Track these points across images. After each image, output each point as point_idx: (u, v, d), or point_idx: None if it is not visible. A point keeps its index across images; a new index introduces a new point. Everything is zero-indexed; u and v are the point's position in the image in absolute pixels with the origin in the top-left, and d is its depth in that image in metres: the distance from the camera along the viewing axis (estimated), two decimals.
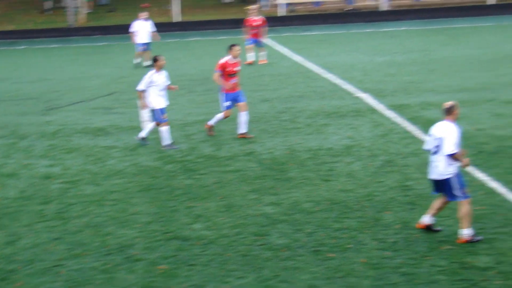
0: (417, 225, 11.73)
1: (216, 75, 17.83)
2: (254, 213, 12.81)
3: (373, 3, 48.91)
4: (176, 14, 46.06)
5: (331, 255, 11.01)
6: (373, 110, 20.24)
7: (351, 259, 10.84)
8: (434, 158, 11.40)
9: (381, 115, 19.61)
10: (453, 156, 11.17)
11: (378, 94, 22.24)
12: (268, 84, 25.23)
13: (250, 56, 30.01)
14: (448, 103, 11.65)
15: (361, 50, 32.84)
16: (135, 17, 31.24)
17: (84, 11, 47.92)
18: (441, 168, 11.32)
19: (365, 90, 23.00)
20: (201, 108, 21.39)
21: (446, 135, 11.25)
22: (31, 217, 13.05)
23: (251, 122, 19.20)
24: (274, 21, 45.38)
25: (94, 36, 44.31)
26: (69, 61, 34.02)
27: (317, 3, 49.64)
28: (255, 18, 30.74)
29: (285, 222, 12.33)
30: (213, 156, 16.42)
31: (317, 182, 14.34)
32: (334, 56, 31.20)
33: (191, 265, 10.89)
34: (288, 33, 41.52)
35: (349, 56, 30.96)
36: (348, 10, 48.10)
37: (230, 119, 18.37)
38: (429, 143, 11.54)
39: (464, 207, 11.28)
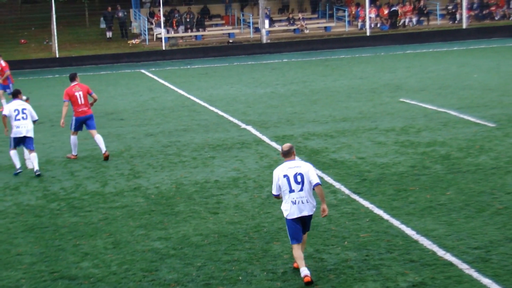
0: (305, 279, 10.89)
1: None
2: (143, 248, 12.66)
3: (254, 36, 49.53)
4: (56, 50, 45.38)
5: None
6: (258, 142, 20.42)
7: None
8: (301, 195, 11.13)
9: (266, 147, 19.81)
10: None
11: (261, 126, 22.48)
12: (152, 118, 25.11)
13: None
14: (287, 145, 11.44)
15: (243, 82, 33.17)
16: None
17: None
18: (311, 203, 11.21)
19: (248, 122, 23.21)
20: (84, 145, 21.06)
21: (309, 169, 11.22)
22: None
23: (136, 156, 19.07)
24: (157, 55, 45.44)
25: None
26: None
27: (199, 37, 49.88)
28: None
29: (174, 257, 12.23)
30: (98, 193, 16.17)
31: (205, 215, 14.31)
32: (217, 89, 31.37)
33: None
34: (170, 67, 41.53)
35: (232, 89, 31.20)
36: (230, 43, 48.53)
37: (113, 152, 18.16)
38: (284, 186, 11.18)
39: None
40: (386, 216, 13.68)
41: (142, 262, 12.04)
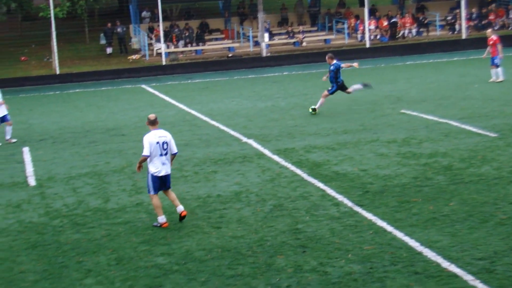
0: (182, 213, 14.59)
1: None
2: (146, 264, 12.62)
3: (254, 49, 49.59)
4: (57, 67, 45.44)
5: None
6: (260, 155, 20.40)
7: None
8: (167, 158, 14.50)
9: (268, 160, 19.79)
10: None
11: (263, 140, 22.47)
12: None
13: None
14: (153, 115, 14.79)
15: (244, 96, 33.19)
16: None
17: None
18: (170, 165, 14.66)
19: (250, 136, 23.20)
20: (85, 161, 21.05)
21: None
22: None
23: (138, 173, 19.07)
24: (157, 70, 45.48)
25: None
26: None
27: (199, 51, 49.95)
28: None
29: (178, 272, 12.19)
30: (101, 209, 16.15)
31: (208, 230, 14.28)
32: (217, 103, 31.38)
33: None
34: (171, 81, 41.57)
35: (232, 103, 31.21)
36: (230, 57, 48.59)
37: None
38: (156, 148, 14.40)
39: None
40: (389, 228, 13.64)
41: (145, 278, 12.00)
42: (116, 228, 14.69)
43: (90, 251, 13.43)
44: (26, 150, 23.17)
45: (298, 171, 18.32)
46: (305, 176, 17.84)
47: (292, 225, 14.21)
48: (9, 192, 18.18)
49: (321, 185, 16.94)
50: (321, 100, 27.00)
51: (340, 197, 15.86)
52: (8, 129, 24.81)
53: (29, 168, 20.43)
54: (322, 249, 12.78)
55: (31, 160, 21.62)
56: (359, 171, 17.92)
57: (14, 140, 24.65)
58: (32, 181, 18.88)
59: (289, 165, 18.99)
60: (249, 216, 15.01)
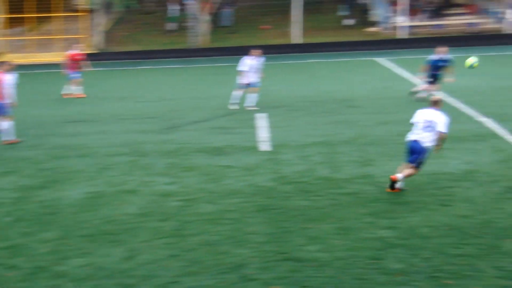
0: (391, 176, 15.01)
1: None
2: (370, 236, 12.67)
3: (495, 26, 47.88)
4: (295, 36, 46.33)
5: (448, 282, 10.77)
6: (495, 135, 19.75)
7: (469, 287, 10.57)
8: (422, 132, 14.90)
9: (503, 140, 19.11)
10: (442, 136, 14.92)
11: (501, 119, 21.69)
12: (385, 106, 24.99)
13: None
14: (436, 97, 15.29)
15: (482, 74, 32.12)
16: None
17: (205, 32, 48.81)
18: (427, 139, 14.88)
19: (487, 114, 22.50)
20: (319, 130, 21.37)
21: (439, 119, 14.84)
22: (149, 233, 13.29)
23: (369, 144, 19.07)
24: (393, 44, 45.11)
25: (215, 57, 45.04)
26: (189, 82, 34.67)
27: (439, 26, 48.95)
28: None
29: (401, 247, 12.14)
30: (329, 178, 16.36)
31: (434, 207, 14.07)
32: (461, 80, 30.59)
33: (305, 286, 10.84)
34: (409, 55, 41.07)
35: (472, 80, 30.28)
36: (472, 33, 47.20)
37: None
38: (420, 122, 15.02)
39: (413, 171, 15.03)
40: None
41: (368, 250, 12.05)
42: (342, 198, 14.84)
43: (315, 219, 13.67)
44: (262, 116, 23.87)
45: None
46: None
47: None
48: (244, 155, 18.84)
49: None
50: None
51: None
52: (251, 96, 25.61)
53: (264, 134, 21.05)
54: None
55: (266, 126, 22.26)
56: None
57: (254, 107, 25.39)
58: (265, 146, 19.46)
59: None
60: (478, 196, 14.62)
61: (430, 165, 16.93)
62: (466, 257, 11.61)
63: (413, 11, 49.19)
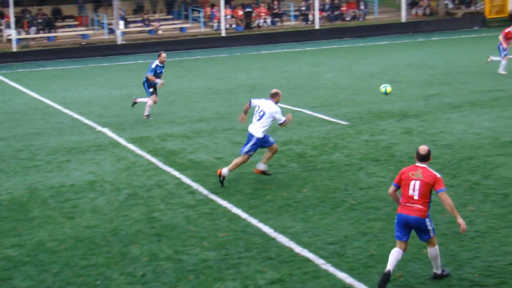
0: (254, 170, 16.14)
1: None
2: None
3: (109, 37, 48.86)
4: None
5: None
6: (114, 144, 20.14)
7: None
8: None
9: (123, 149, 19.57)
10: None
11: (118, 128, 22.19)
12: (2, 122, 24.28)
13: None
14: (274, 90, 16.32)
15: (98, 84, 32.64)
16: None
17: None
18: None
19: (104, 124, 22.86)
20: None
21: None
22: None
23: None
24: (7, 57, 44.02)
25: None
26: None
27: (51, 38, 48.72)
28: None
29: (29, 264, 11.88)
30: None
31: (60, 220, 13.98)
32: (70, 91, 30.69)
33: None
34: (22, 69, 40.32)
35: (86, 91, 30.62)
36: (84, 44, 47.67)
37: None
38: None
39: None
40: (244, 215, 13.79)
41: None
42: None
43: None
44: None
45: (153, 160, 18.23)
46: (160, 164, 17.77)
47: (147, 214, 14.13)
48: None
49: (176, 173, 16.92)
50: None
51: (195, 185, 15.89)
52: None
53: None
54: (177, 237, 12.77)
55: None
56: (214, 159, 18.01)
57: None
58: None
59: (144, 154, 18.86)
60: (103, 205, 14.81)
61: (52, 179, 16.81)
62: (95, 266, 11.68)
63: (23, 23, 48.44)
